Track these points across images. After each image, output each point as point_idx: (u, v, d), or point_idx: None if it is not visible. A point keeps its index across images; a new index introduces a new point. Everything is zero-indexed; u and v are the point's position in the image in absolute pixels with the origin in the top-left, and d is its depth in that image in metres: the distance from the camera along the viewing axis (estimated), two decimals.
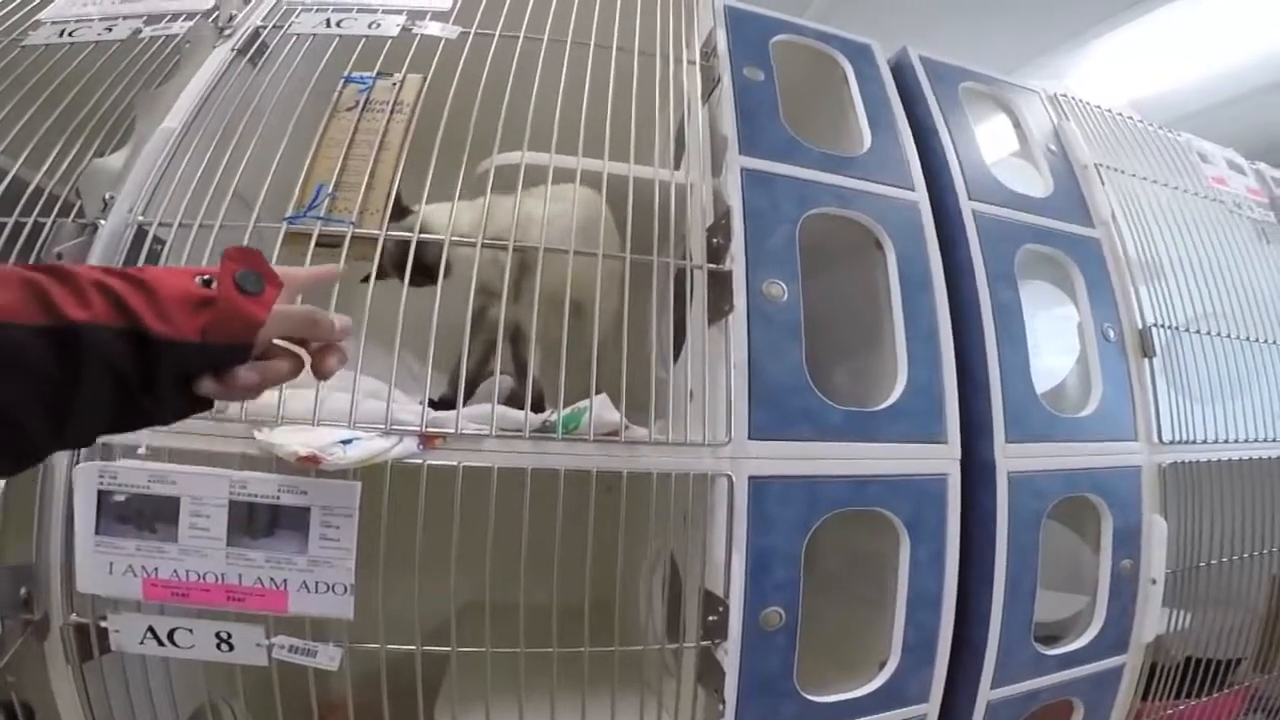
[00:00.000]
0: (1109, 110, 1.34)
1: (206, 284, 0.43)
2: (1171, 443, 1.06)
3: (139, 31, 0.94)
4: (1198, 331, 1.14)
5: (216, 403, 0.46)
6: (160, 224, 0.76)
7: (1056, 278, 1.13)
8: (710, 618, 0.80)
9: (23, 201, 0.76)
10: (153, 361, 0.39)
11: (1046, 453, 0.97)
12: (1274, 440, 1.17)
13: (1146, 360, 1.08)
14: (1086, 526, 1.05)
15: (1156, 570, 1.02)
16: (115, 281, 0.39)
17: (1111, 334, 1.07)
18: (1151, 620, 1.02)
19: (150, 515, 0.65)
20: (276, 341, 0.47)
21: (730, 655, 0.79)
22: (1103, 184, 1.18)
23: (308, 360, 0.49)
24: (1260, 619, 1.16)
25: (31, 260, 0.72)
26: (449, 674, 0.90)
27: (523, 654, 0.75)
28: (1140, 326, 1.09)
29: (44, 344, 0.36)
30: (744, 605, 0.80)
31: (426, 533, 0.71)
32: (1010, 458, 0.94)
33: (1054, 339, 1.10)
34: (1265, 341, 1.23)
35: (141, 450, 0.66)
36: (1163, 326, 1.10)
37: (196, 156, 0.82)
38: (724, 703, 0.79)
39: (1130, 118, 1.36)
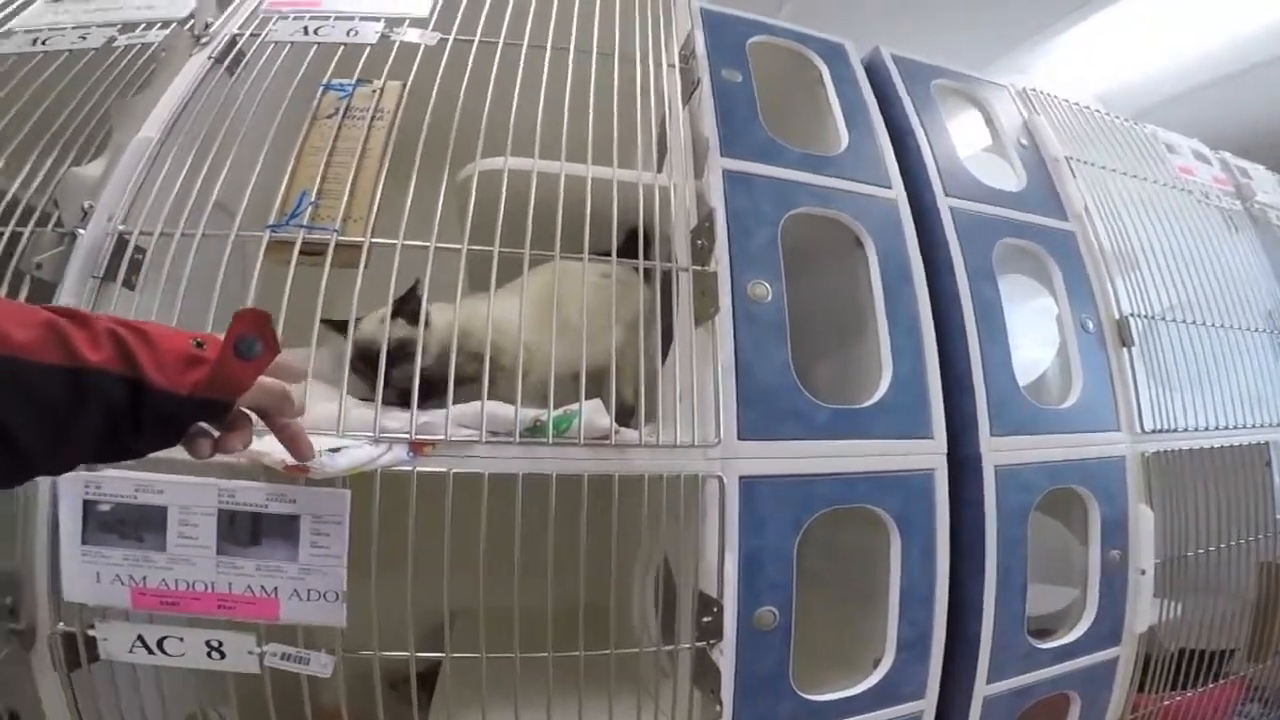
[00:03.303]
0: (1076, 104, 1.36)
1: (199, 346, 0.47)
2: (1154, 431, 1.07)
3: (113, 40, 0.93)
4: (1174, 320, 1.16)
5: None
6: (141, 233, 0.75)
7: (1033, 270, 1.14)
8: (705, 619, 0.80)
9: None
10: (145, 407, 0.44)
11: (1032, 445, 0.98)
12: (1253, 426, 1.19)
13: (1125, 350, 1.09)
14: (1074, 518, 1.06)
15: (1145, 560, 1.02)
16: (125, 332, 0.44)
17: (1090, 325, 1.08)
18: (1143, 611, 1.02)
19: (136, 524, 0.65)
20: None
21: (726, 656, 0.80)
22: (1074, 176, 1.19)
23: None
24: (1250, 607, 1.17)
25: (10, 270, 0.71)
26: (442, 680, 0.90)
27: (518, 659, 0.75)
28: (1117, 317, 1.11)
29: (56, 381, 0.41)
30: (738, 605, 0.80)
31: (418, 539, 0.70)
32: (996, 451, 0.95)
33: (1033, 331, 1.11)
34: (1240, 329, 1.25)
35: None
36: (1139, 316, 1.12)
37: (176, 165, 0.81)
38: (720, 703, 0.79)
39: (1097, 111, 1.38)
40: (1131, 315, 1.11)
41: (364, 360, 0.78)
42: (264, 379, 0.51)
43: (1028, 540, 0.96)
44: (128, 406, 0.44)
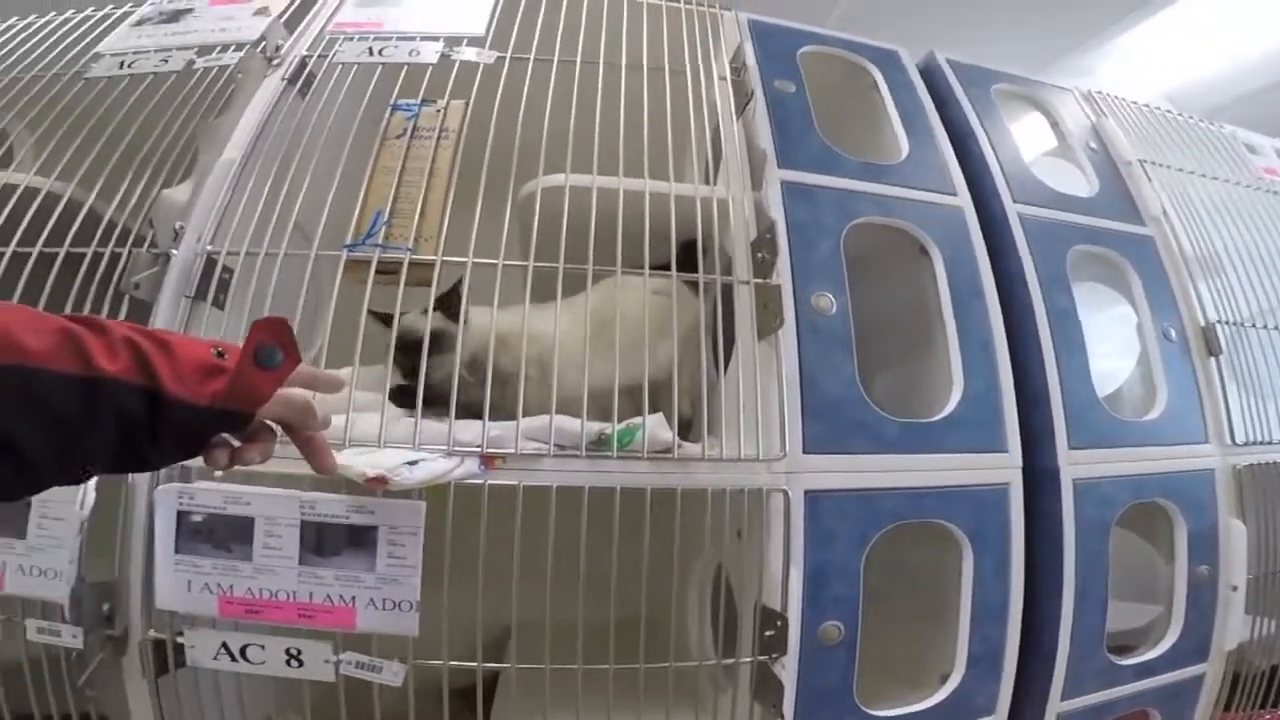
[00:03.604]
0: (1145, 105, 1.32)
1: (219, 355, 0.46)
2: (1246, 444, 1.03)
3: (193, 63, 0.97)
4: (1264, 327, 1.11)
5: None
6: (228, 253, 0.79)
7: (1109, 278, 1.10)
8: (768, 633, 0.79)
9: (99, 232, 0.79)
10: (161, 417, 0.43)
11: (1113, 458, 0.95)
12: None
13: (1212, 359, 1.05)
14: (1157, 533, 1.02)
15: (1236, 576, 0.99)
16: (143, 341, 0.43)
17: (1173, 333, 1.05)
18: (1233, 627, 0.99)
19: (225, 535, 0.67)
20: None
21: (789, 670, 0.78)
22: (1149, 180, 1.16)
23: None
24: None
25: (111, 290, 0.75)
26: (504, 689, 0.91)
27: (580, 670, 0.75)
28: (1203, 324, 1.07)
29: (70, 390, 0.39)
30: (802, 620, 0.79)
31: (477, 549, 0.71)
32: (1074, 464, 0.92)
33: (1111, 341, 1.07)
34: None
35: (218, 472, 0.68)
36: (1226, 323, 1.08)
37: (257, 186, 0.84)
38: (782, 717, 0.78)
39: (1168, 111, 1.34)
40: (1218, 322, 1.07)
41: (403, 350, 0.80)
42: (288, 390, 0.49)
43: (1108, 555, 0.93)
44: (144, 417, 0.42)
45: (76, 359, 0.40)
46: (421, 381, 0.75)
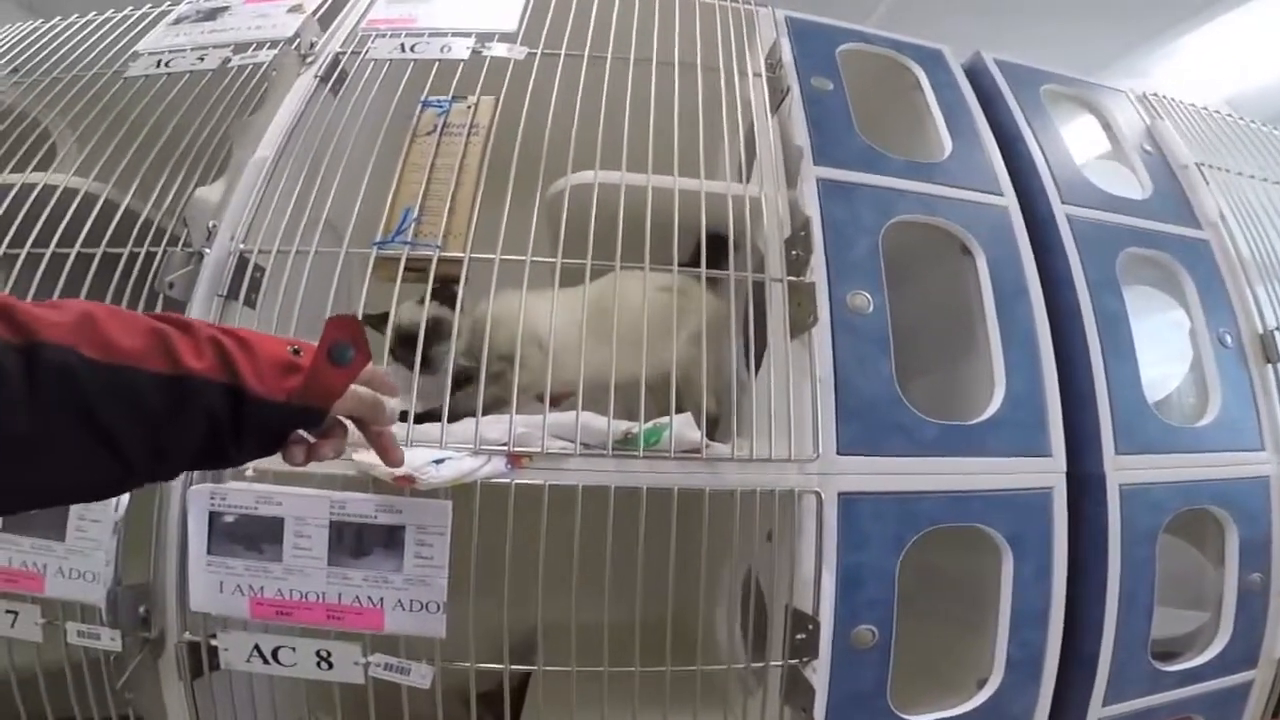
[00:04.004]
0: (1204, 108, 1.29)
1: (295, 353, 0.47)
2: None
3: (228, 61, 0.97)
4: None
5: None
6: (260, 251, 0.79)
7: (1161, 282, 1.08)
8: (799, 636, 0.78)
9: (135, 231, 0.80)
10: (244, 415, 0.44)
11: (1162, 464, 0.93)
12: None
13: (1270, 366, 1.02)
14: (1205, 538, 1.00)
15: None
16: (226, 340, 0.44)
17: (1229, 339, 1.02)
18: None
19: (256, 536, 0.67)
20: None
21: (820, 674, 0.77)
22: (1207, 183, 1.13)
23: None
24: None
25: (146, 289, 0.76)
26: (532, 691, 0.91)
27: (606, 673, 0.74)
28: (1261, 331, 1.04)
29: (162, 388, 0.41)
30: (834, 623, 0.78)
31: (498, 550, 0.71)
32: (1121, 470, 0.90)
33: (1163, 346, 1.04)
34: None
35: (249, 472, 0.68)
36: None
37: (289, 184, 0.84)
38: None
39: (1229, 115, 1.30)
40: (1277, 329, 1.04)
41: (402, 344, 0.80)
42: (357, 387, 0.51)
43: (1155, 561, 0.90)
44: (228, 414, 0.43)
45: (166, 358, 0.41)
46: (450, 374, 0.75)
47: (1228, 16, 1.85)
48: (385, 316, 0.84)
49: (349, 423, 0.53)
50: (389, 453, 0.56)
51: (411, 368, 0.75)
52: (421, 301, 0.83)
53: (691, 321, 0.90)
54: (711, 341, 0.90)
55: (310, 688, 0.77)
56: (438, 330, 0.81)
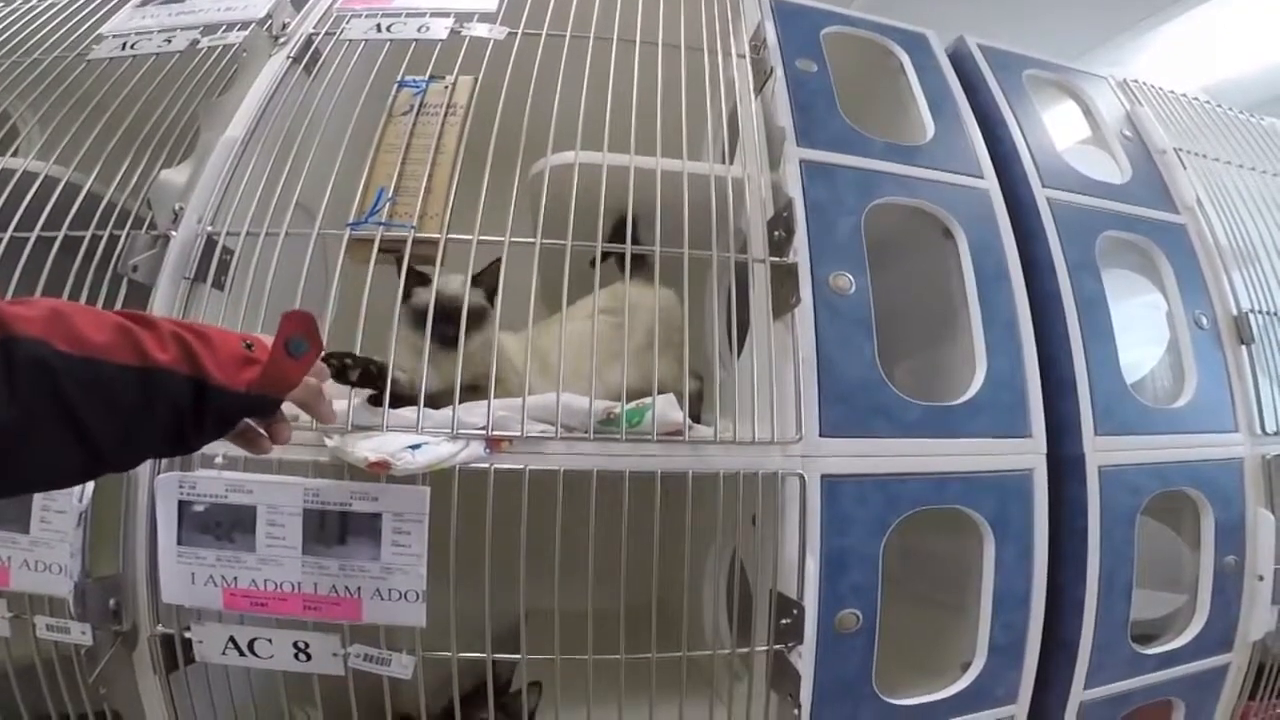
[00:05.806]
0: (1183, 95, 1.30)
1: (249, 348, 0.50)
2: (1276, 433, 1.02)
3: (197, 42, 0.95)
4: None
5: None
6: (228, 233, 0.77)
7: (1138, 265, 1.09)
8: (783, 620, 0.78)
9: (98, 215, 0.78)
10: (206, 403, 0.47)
11: (1140, 446, 0.93)
12: None
13: (1244, 348, 1.04)
14: (1183, 521, 1.01)
15: (1263, 566, 0.98)
16: (186, 334, 0.47)
17: (1204, 321, 1.03)
18: (1259, 617, 0.98)
19: (228, 525, 0.66)
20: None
21: (805, 659, 0.77)
22: (1184, 169, 1.14)
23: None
24: None
25: (109, 273, 0.73)
26: (518, 678, 0.90)
27: (591, 660, 0.74)
28: (1235, 313, 1.06)
29: (131, 380, 0.43)
30: (819, 608, 0.77)
31: (478, 537, 0.70)
32: (1101, 451, 0.90)
33: (1140, 328, 1.06)
34: None
35: (219, 459, 0.67)
36: (1260, 312, 1.06)
37: (259, 165, 0.82)
38: (799, 707, 0.77)
39: (1207, 102, 1.32)
40: (1251, 311, 1.05)
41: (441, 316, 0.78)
42: (308, 378, 0.54)
43: (1134, 543, 0.91)
44: (191, 404, 0.46)
45: (134, 351, 0.43)
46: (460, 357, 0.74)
47: (1205, 7, 1.87)
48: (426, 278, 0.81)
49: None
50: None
51: (436, 340, 0.76)
52: (464, 282, 0.80)
53: (639, 327, 0.88)
54: (671, 332, 0.89)
55: (291, 679, 0.75)
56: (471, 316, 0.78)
